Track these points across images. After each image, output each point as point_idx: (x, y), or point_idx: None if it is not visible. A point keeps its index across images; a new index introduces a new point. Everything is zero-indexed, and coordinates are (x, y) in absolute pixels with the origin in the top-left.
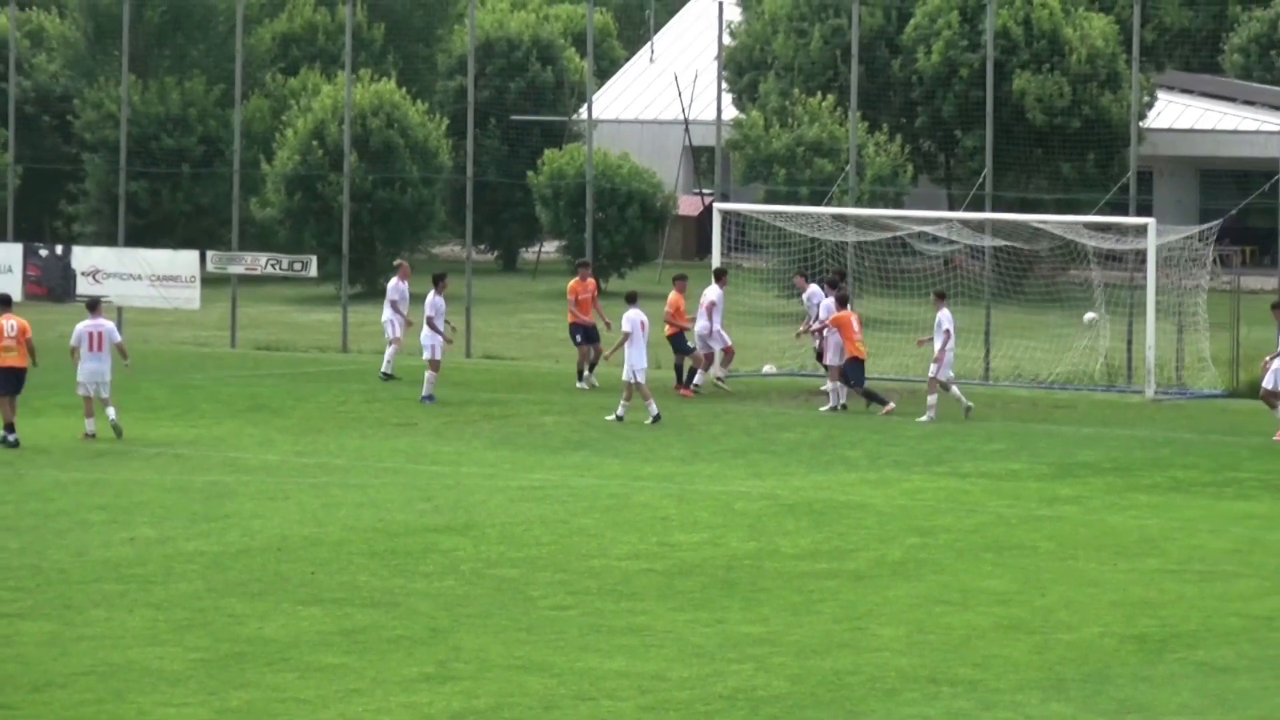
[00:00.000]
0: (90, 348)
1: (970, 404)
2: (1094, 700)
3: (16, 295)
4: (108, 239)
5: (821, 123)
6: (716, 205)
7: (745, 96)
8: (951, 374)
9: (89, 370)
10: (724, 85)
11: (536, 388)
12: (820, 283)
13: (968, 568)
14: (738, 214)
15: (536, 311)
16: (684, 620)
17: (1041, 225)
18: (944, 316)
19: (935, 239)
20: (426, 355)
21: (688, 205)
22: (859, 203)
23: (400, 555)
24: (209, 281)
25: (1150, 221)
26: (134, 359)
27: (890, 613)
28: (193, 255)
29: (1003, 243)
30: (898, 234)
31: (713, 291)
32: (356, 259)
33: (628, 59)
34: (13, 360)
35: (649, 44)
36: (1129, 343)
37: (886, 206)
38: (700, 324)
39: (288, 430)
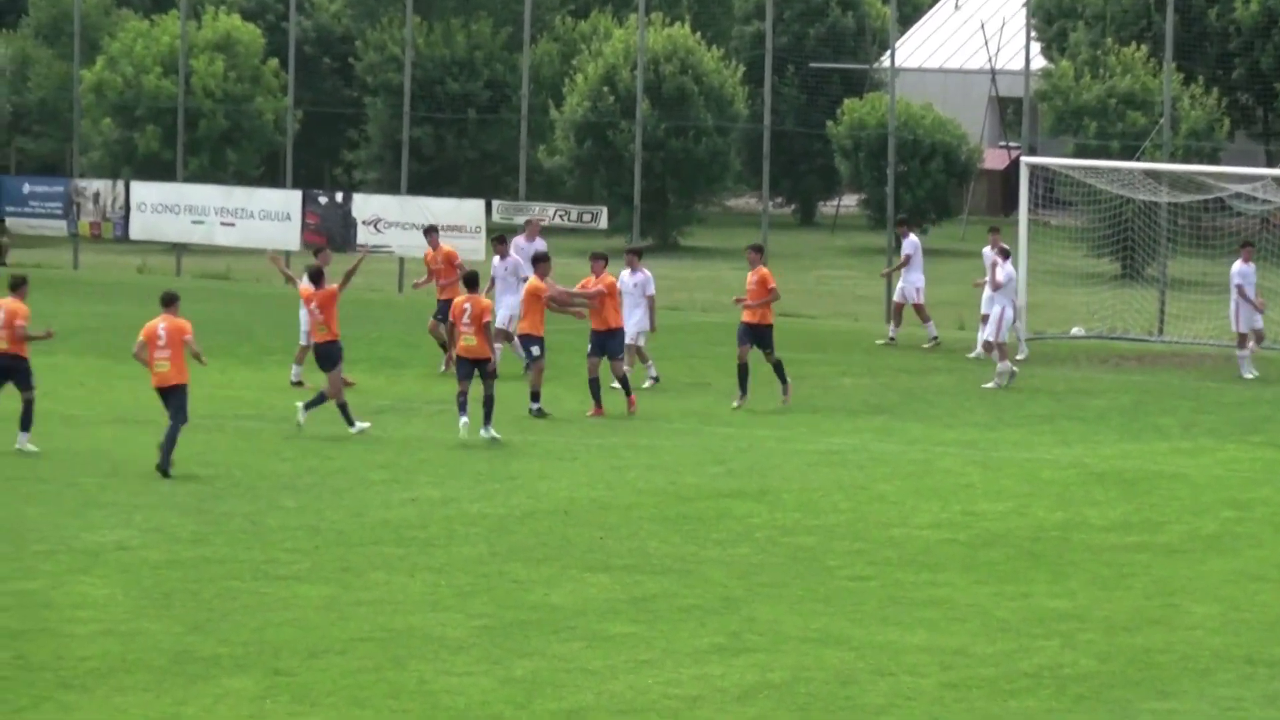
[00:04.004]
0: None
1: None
2: None
3: (295, 243)
4: (389, 186)
5: (1134, 74)
6: (1024, 159)
7: (1054, 45)
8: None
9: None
10: (1032, 34)
11: (834, 348)
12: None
13: None
14: (1045, 168)
15: (835, 268)
16: (988, 593)
17: None
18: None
19: (1252, 198)
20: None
21: (993, 159)
22: (1172, 158)
23: (692, 521)
24: (495, 231)
25: None
26: (414, 310)
27: (1204, 589)
28: (478, 204)
29: None
30: (1215, 195)
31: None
32: (648, 210)
33: (932, 5)
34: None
35: None
36: None
37: (1201, 162)
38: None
39: (577, 388)
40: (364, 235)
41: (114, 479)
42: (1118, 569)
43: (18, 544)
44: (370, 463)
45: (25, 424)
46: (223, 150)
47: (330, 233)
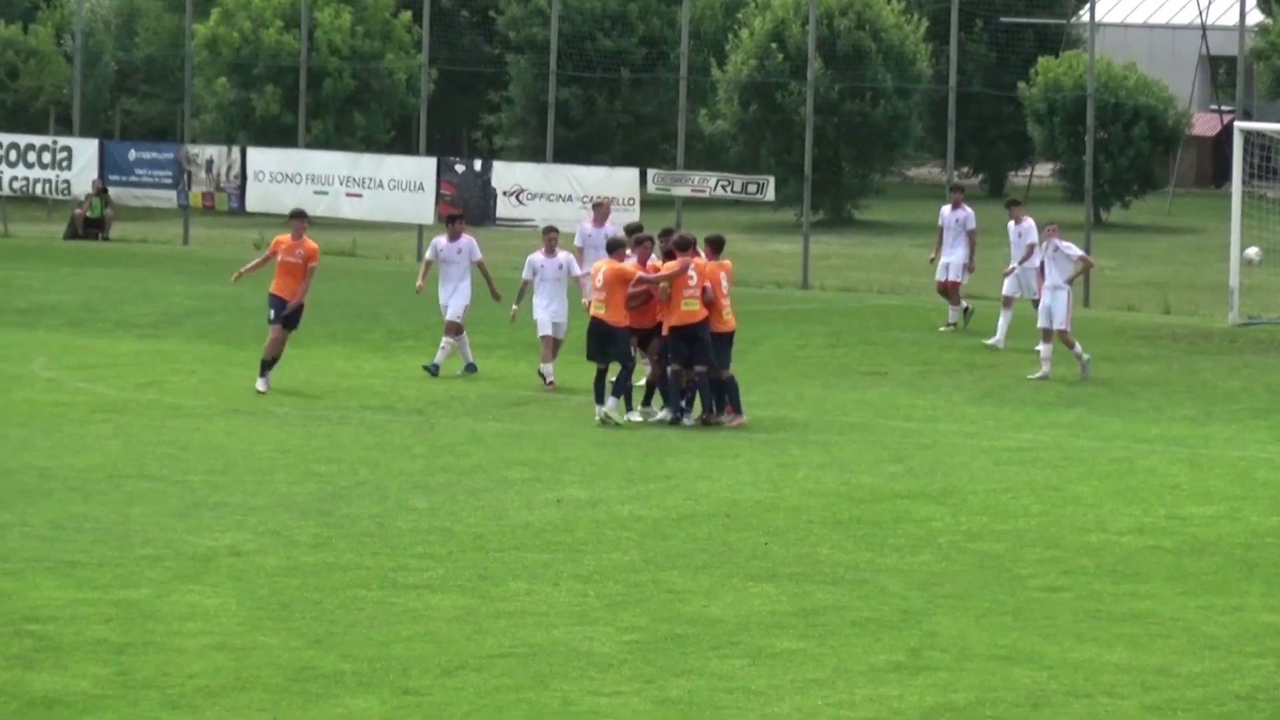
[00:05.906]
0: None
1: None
2: None
3: (429, 217)
4: (533, 154)
5: None
6: (1237, 124)
7: None
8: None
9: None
10: None
11: (1026, 334)
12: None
13: None
14: (1262, 135)
15: None
16: (1195, 606)
17: None
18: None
19: None
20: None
21: (1203, 124)
22: None
23: (867, 525)
24: (650, 204)
25: None
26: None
27: None
28: (632, 173)
29: None
30: None
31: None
32: (820, 181)
33: None
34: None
35: None
36: None
37: None
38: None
39: (738, 377)
40: (505, 208)
41: (227, 476)
42: None
43: (121, 548)
44: (510, 459)
45: (619, 393)
46: (349, 113)
47: (467, 204)
